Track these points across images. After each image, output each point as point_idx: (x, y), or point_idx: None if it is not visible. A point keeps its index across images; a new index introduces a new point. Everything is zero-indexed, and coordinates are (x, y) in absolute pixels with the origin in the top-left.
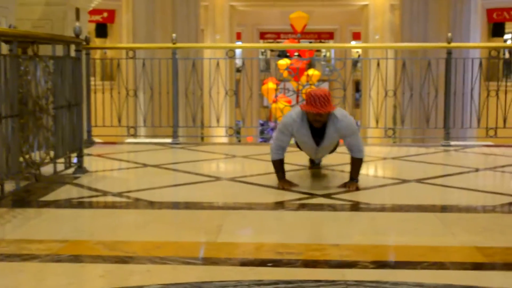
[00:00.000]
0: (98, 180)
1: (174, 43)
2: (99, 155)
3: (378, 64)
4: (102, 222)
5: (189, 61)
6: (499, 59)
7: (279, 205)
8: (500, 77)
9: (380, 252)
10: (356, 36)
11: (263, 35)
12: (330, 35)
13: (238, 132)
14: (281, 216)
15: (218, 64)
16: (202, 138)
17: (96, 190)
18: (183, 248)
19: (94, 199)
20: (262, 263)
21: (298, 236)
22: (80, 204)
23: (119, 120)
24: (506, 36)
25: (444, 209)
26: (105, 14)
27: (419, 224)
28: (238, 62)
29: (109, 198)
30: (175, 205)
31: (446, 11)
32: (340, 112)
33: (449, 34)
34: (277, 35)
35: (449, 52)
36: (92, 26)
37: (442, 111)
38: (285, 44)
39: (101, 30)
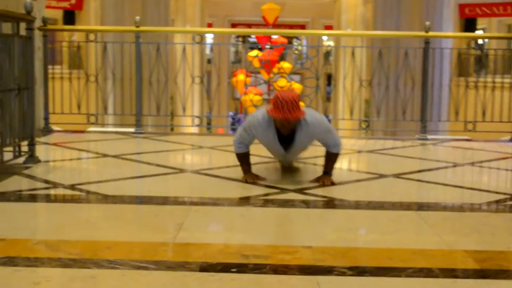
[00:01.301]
0: (50, 171)
1: (137, 26)
2: (55, 144)
3: (352, 53)
4: (47, 218)
5: (154, 46)
6: (481, 50)
7: (246, 200)
8: (471, 73)
9: (359, 256)
10: (328, 29)
11: (234, 27)
12: (302, 28)
13: (208, 123)
14: (248, 213)
15: (184, 49)
16: (172, 129)
17: (46, 181)
18: (136, 249)
19: (42, 192)
20: (226, 268)
21: (266, 236)
22: (25, 197)
23: (79, 107)
24: (477, 32)
25: (427, 207)
26: (73, 1)
27: (401, 224)
28: (209, 53)
29: (60, 191)
30: (132, 200)
31: (418, 5)
32: (310, 114)
33: (427, 23)
34: (249, 27)
35: (426, 42)
36: (60, 13)
37: (418, 103)
38: (254, 30)
39: (69, 17)
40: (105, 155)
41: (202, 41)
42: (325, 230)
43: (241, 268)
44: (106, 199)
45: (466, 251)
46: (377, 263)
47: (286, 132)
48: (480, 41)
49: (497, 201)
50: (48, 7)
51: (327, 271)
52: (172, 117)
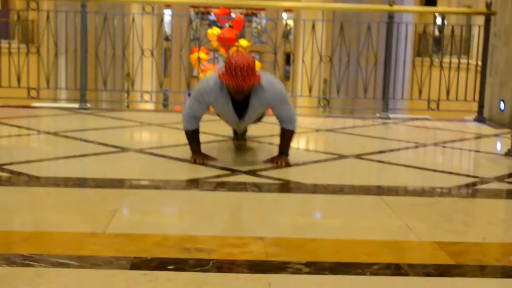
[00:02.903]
0: None
1: None
2: None
3: (313, 27)
4: None
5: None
6: (440, 31)
7: (193, 183)
8: (430, 53)
9: (317, 249)
10: (289, 10)
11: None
12: (261, 8)
13: (165, 100)
14: (194, 198)
15: (133, 19)
16: (128, 105)
17: None
18: (59, 241)
19: None
20: (162, 264)
21: (212, 226)
22: None
23: (18, 81)
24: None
25: (392, 191)
26: None
27: (364, 211)
28: (168, 30)
29: None
30: (63, 182)
31: None
32: (267, 78)
33: None
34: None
35: (390, 16)
36: None
37: (379, 81)
38: (212, 0)
39: None
40: (42, 132)
41: (152, 12)
42: (279, 218)
43: (180, 265)
44: (33, 181)
45: (438, 243)
46: (338, 258)
47: (240, 98)
48: (438, 22)
49: (467, 185)
50: None
51: (280, 268)
52: (128, 93)
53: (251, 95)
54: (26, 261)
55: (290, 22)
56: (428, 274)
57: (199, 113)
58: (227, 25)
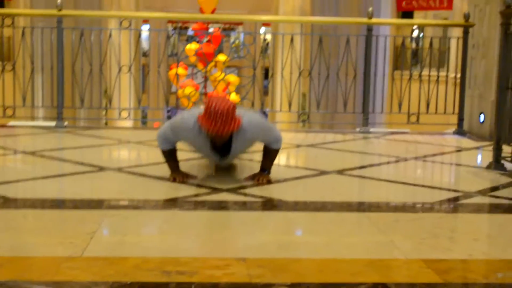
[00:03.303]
0: None
1: (59, 10)
2: None
3: (291, 40)
4: None
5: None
6: (417, 43)
7: (172, 202)
8: (408, 66)
9: (301, 270)
10: (266, 24)
11: (171, 21)
12: (239, 22)
13: (144, 117)
14: (174, 218)
15: (110, 35)
16: (106, 123)
17: None
18: (34, 266)
19: None
20: None
21: (193, 246)
22: None
23: None
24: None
25: (375, 207)
26: None
27: (348, 228)
28: (146, 45)
29: None
30: (39, 204)
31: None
32: (246, 118)
33: (370, 9)
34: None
35: (369, 29)
36: None
37: (358, 95)
38: (190, 15)
39: None
40: (19, 152)
41: (129, 27)
42: (262, 238)
43: None
44: (6, 203)
45: (425, 260)
46: (323, 278)
47: (220, 143)
48: (415, 35)
49: (450, 200)
50: None
51: None
52: (106, 110)
53: (232, 138)
54: None
55: (268, 37)
56: None
57: (173, 142)
58: (205, 40)
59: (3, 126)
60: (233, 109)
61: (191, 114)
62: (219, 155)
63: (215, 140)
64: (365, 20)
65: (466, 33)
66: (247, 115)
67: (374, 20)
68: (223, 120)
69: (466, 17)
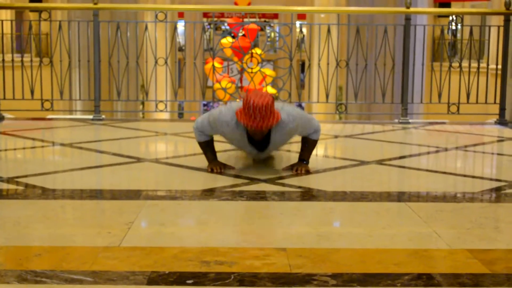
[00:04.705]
0: None
1: (95, 3)
2: (3, 133)
3: (328, 30)
4: None
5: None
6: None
7: (210, 193)
8: (445, 57)
9: (343, 260)
10: (301, 16)
11: (206, 14)
12: (274, 15)
13: (180, 111)
14: (212, 208)
15: (146, 28)
16: (143, 115)
17: None
18: (72, 256)
19: None
20: (180, 279)
21: (231, 237)
22: None
23: (32, 93)
24: (451, 17)
25: (416, 197)
26: None
27: (389, 218)
28: (181, 41)
29: None
30: (77, 194)
31: None
32: (285, 112)
33: None
34: (221, 14)
35: (407, 18)
36: None
37: (397, 85)
38: (225, 6)
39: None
40: (57, 144)
41: (165, 19)
42: (301, 228)
43: (200, 279)
44: (47, 193)
45: (470, 250)
46: (365, 269)
47: (258, 138)
48: (453, 27)
49: (493, 190)
50: None
51: (305, 280)
52: (143, 103)
53: (271, 131)
54: (38, 277)
55: (304, 31)
56: (462, 284)
57: (209, 134)
58: (240, 34)
59: (42, 119)
60: (272, 103)
61: (229, 108)
62: (257, 149)
63: (254, 135)
64: (403, 9)
65: (507, 21)
66: (285, 108)
67: (412, 9)
68: (262, 115)
69: (507, 4)
